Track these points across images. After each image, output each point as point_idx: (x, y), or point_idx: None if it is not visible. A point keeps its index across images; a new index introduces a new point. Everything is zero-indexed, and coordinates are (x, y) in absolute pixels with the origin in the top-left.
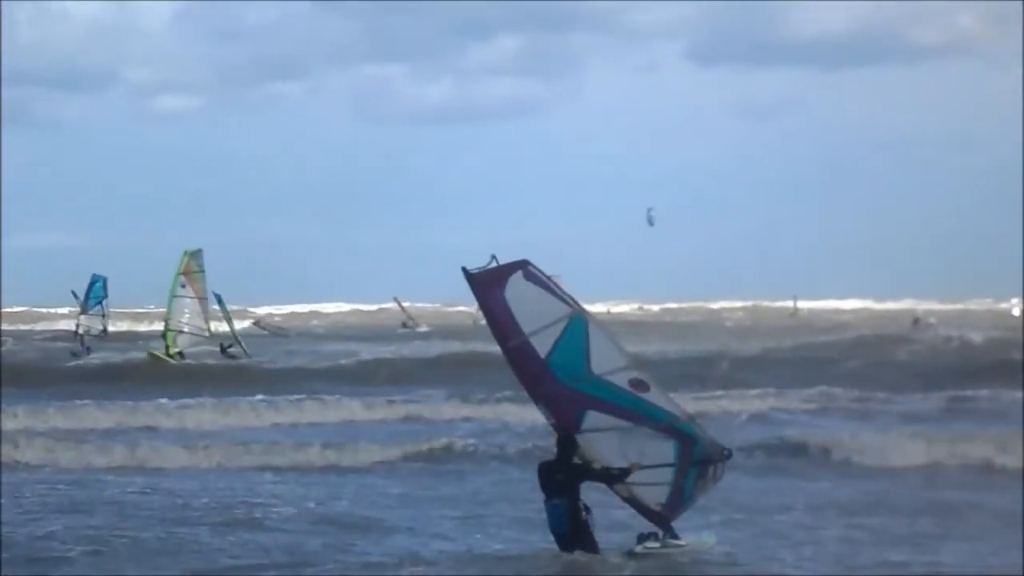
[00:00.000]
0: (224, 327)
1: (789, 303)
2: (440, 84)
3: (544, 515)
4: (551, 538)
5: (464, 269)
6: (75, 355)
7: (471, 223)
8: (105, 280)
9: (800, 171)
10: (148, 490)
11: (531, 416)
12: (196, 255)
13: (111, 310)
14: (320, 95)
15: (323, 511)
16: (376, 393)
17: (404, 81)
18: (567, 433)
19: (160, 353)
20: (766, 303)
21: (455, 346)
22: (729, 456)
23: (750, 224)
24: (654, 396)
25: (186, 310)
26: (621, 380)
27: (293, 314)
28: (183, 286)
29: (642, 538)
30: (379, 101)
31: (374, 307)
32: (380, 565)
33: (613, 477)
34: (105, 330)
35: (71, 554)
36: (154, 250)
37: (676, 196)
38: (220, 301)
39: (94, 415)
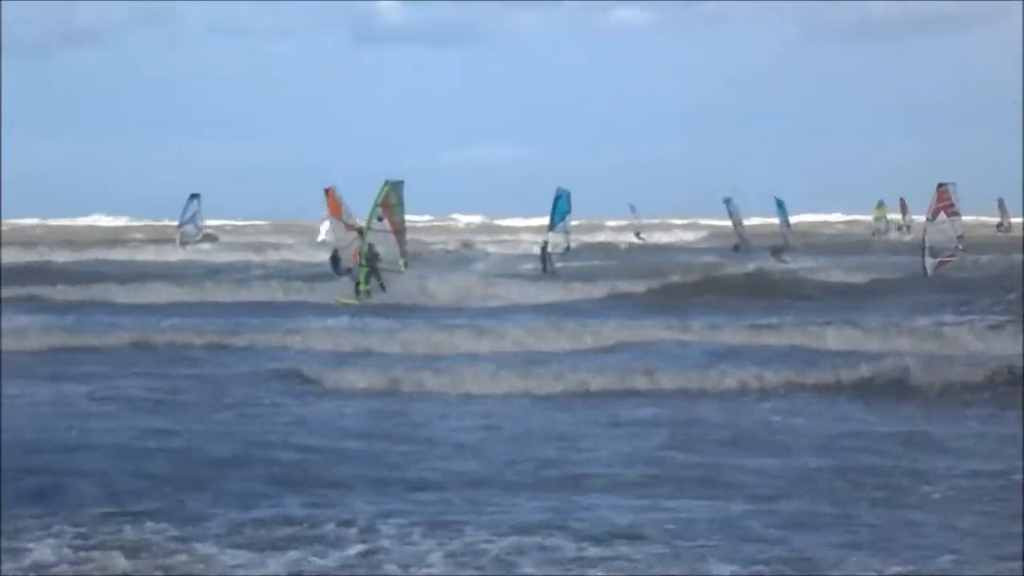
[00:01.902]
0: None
1: None
2: None
3: None
4: None
5: None
6: (547, 271)
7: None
8: (568, 194)
9: None
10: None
11: None
12: (396, 186)
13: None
14: (770, 9)
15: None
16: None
17: None
18: None
19: (345, 299)
20: None
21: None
22: None
23: None
24: None
25: (382, 244)
26: None
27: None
28: (380, 219)
29: None
30: (826, 13)
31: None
32: None
33: None
34: (568, 247)
35: None
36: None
37: None
38: (781, 206)
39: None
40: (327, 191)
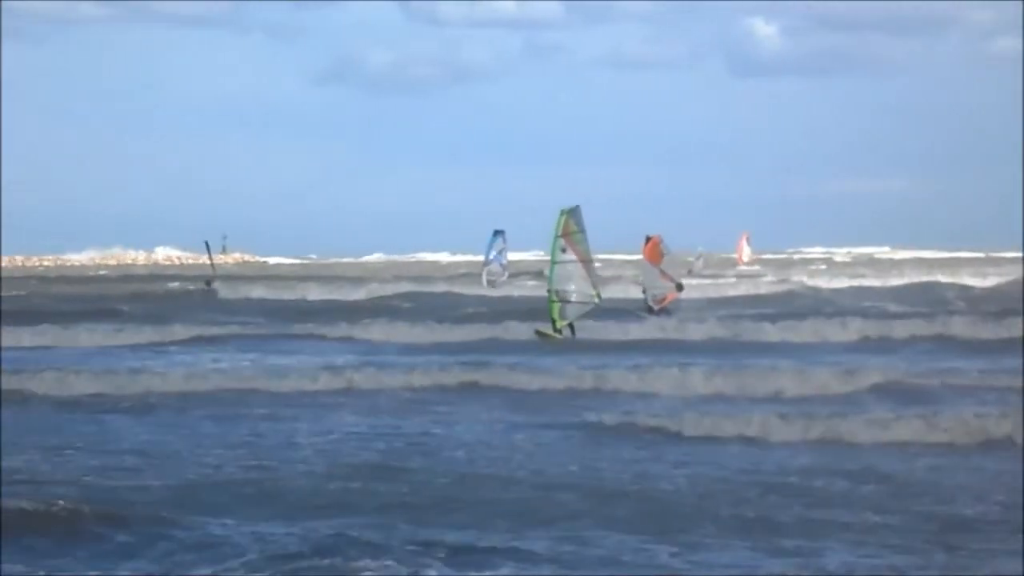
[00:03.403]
0: None
1: None
2: None
3: None
4: None
5: None
6: None
7: None
8: None
9: None
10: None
11: None
12: (574, 212)
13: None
14: None
15: None
16: None
17: None
18: None
19: (547, 330)
20: None
21: None
22: None
23: None
24: None
25: (571, 276)
26: None
27: None
28: (563, 250)
29: None
30: None
31: None
32: None
33: None
34: None
35: None
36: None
37: None
38: None
39: None
40: (649, 240)
